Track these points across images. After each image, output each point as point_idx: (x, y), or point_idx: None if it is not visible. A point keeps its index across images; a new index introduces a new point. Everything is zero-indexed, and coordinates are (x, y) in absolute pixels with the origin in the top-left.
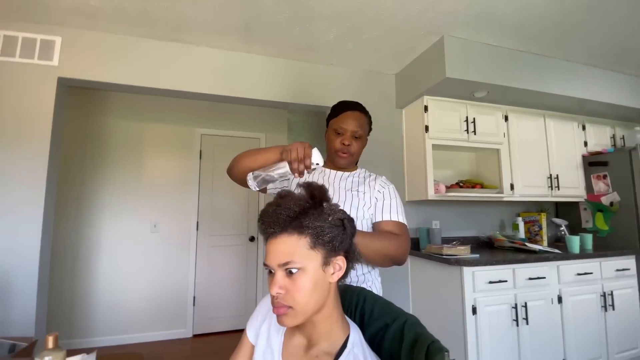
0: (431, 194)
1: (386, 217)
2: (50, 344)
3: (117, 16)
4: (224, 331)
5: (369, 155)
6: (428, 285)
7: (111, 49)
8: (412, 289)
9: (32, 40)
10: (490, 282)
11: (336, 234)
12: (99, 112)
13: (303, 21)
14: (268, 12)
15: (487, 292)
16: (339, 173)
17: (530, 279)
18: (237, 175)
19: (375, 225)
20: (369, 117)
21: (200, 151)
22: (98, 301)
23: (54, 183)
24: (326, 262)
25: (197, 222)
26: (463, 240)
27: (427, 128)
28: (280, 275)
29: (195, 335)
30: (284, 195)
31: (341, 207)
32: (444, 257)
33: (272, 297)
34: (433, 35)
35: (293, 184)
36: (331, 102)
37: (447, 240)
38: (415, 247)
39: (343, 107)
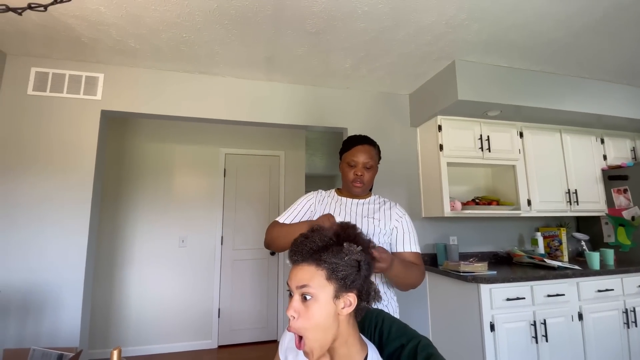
0: (447, 211)
1: (407, 249)
2: (115, 358)
3: (153, 55)
4: (247, 342)
5: (385, 173)
6: (446, 301)
7: (147, 83)
8: (430, 305)
9: (78, 77)
10: (508, 299)
11: (349, 273)
12: (133, 135)
13: (320, 54)
14: (288, 47)
15: (505, 309)
16: (355, 200)
17: (549, 295)
18: (278, 251)
19: (396, 254)
20: (378, 148)
21: (224, 169)
22: (131, 313)
23: (97, 206)
24: (337, 296)
25: (222, 237)
26: (481, 256)
27: (441, 147)
28: (296, 298)
29: (220, 346)
30: (314, 230)
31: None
32: (461, 274)
33: (289, 320)
34: (444, 60)
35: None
36: (347, 123)
37: (465, 256)
38: (433, 262)
39: (354, 142)
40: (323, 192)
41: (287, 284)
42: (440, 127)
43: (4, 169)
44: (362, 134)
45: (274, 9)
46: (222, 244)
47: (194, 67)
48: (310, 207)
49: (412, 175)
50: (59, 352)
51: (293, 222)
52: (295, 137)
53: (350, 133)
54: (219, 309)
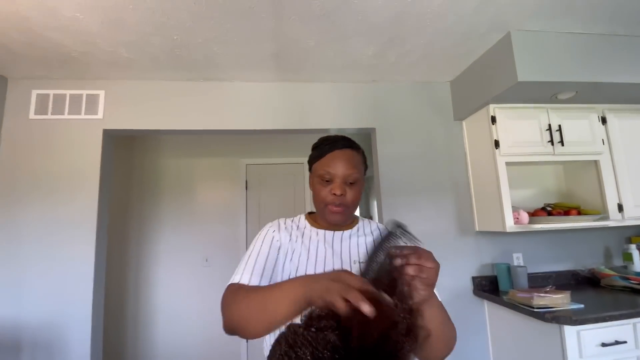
0: (510, 225)
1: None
2: None
3: (150, 64)
4: None
5: (426, 179)
6: (513, 341)
7: (149, 97)
8: (492, 343)
9: (78, 97)
10: (604, 345)
11: None
12: (152, 152)
13: (335, 42)
14: (296, 39)
15: (600, 357)
16: (337, 233)
17: None
18: (251, 337)
19: None
20: (363, 154)
21: (246, 181)
22: (158, 334)
23: (104, 235)
24: None
25: None
26: (556, 277)
27: (497, 143)
28: None
29: None
30: (312, 319)
31: None
32: (535, 310)
33: None
34: (496, 33)
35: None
36: (376, 122)
37: (534, 278)
38: (493, 289)
39: (329, 146)
40: (286, 220)
41: None
42: (494, 119)
43: (9, 197)
44: (340, 135)
45: None
46: None
47: (196, 73)
48: (278, 246)
49: (460, 179)
50: None
51: (262, 277)
52: None
53: (380, 133)
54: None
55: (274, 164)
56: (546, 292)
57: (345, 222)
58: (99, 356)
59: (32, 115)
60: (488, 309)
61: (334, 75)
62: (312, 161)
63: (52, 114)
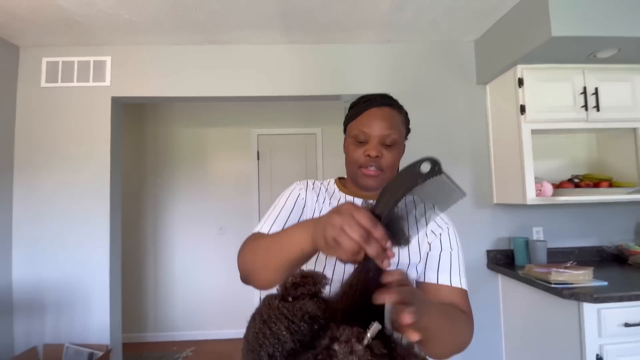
0: (531, 198)
1: (444, 281)
2: None
3: (153, 27)
4: None
5: (443, 146)
6: (528, 318)
7: (156, 62)
8: (504, 320)
9: (86, 63)
10: (627, 325)
11: None
12: (164, 121)
13: None
14: None
15: (622, 337)
16: (367, 201)
17: None
18: (265, 287)
19: (425, 289)
20: (405, 114)
21: (258, 152)
22: (177, 298)
23: (118, 198)
24: None
25: None
26: (579, 253)
27: (522, 108)
28: None
29: None
30: (279, 308)
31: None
32: (552, 286)
33: None
34: None
35: None
36: (389, 86)
37: (554, 254)
38: (509, 264)
39: (365, 104)
40: (315, 182)
41: None
42: (521, 81)
43: (28, 165)
44: (380, 93)
45: None
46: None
47: (201, 36)
48: (302, 204)
49: (479, 148)
50: (90, 350)
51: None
52: (333, 110)
53: (396, 98)
54: (260, 298)
55: (285, 135)
56: (566, 267)
57: (379, 188)
58: (119, 315)
59: (43, 84)
60: (502, 284)
61: (346, 35)
62: (347, 121)
63: (62, 82)
